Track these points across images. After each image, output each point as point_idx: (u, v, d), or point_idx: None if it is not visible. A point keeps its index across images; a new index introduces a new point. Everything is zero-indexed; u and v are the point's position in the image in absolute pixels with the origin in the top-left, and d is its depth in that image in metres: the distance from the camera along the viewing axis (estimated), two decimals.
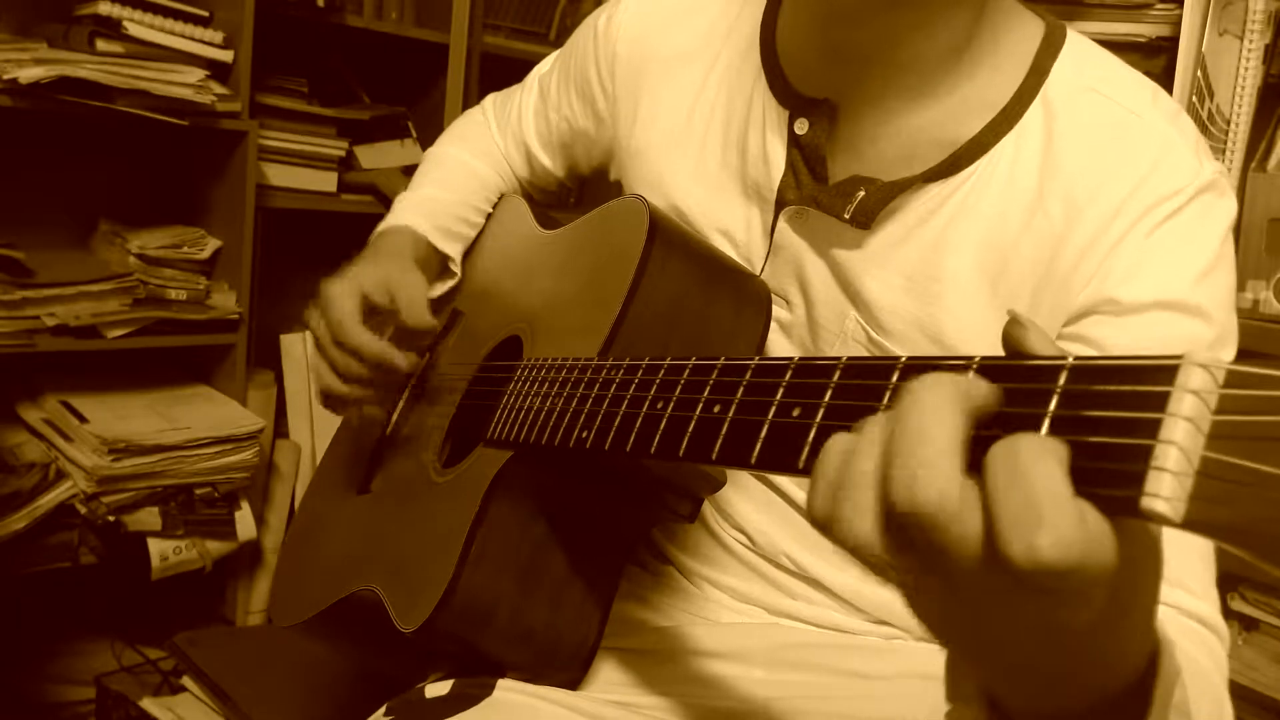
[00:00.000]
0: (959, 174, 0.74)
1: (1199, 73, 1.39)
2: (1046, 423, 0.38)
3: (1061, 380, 0.38)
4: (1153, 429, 0.34)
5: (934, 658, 0.82)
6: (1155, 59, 1.47)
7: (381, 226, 1.02)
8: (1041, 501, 0.35)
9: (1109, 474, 0.36)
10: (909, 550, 0.39)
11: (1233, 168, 1.39)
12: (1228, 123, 1.39)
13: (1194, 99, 1.40)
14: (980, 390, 0.39)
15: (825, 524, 0.41)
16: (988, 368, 0.41)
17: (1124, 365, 0.37)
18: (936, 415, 0.37)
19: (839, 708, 0.79)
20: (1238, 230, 1.39)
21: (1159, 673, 0.43)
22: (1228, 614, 1.43)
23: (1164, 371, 0.35)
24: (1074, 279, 0.70)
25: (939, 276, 0.74)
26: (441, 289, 1.02)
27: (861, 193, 0.74)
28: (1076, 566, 0.35)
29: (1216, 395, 0.34)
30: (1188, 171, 0.70)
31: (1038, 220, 0.72)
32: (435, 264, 1.01)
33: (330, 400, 0.94)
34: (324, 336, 0.91)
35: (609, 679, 0.82)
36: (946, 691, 0.49)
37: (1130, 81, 0.75)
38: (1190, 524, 0.34)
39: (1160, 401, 0.35)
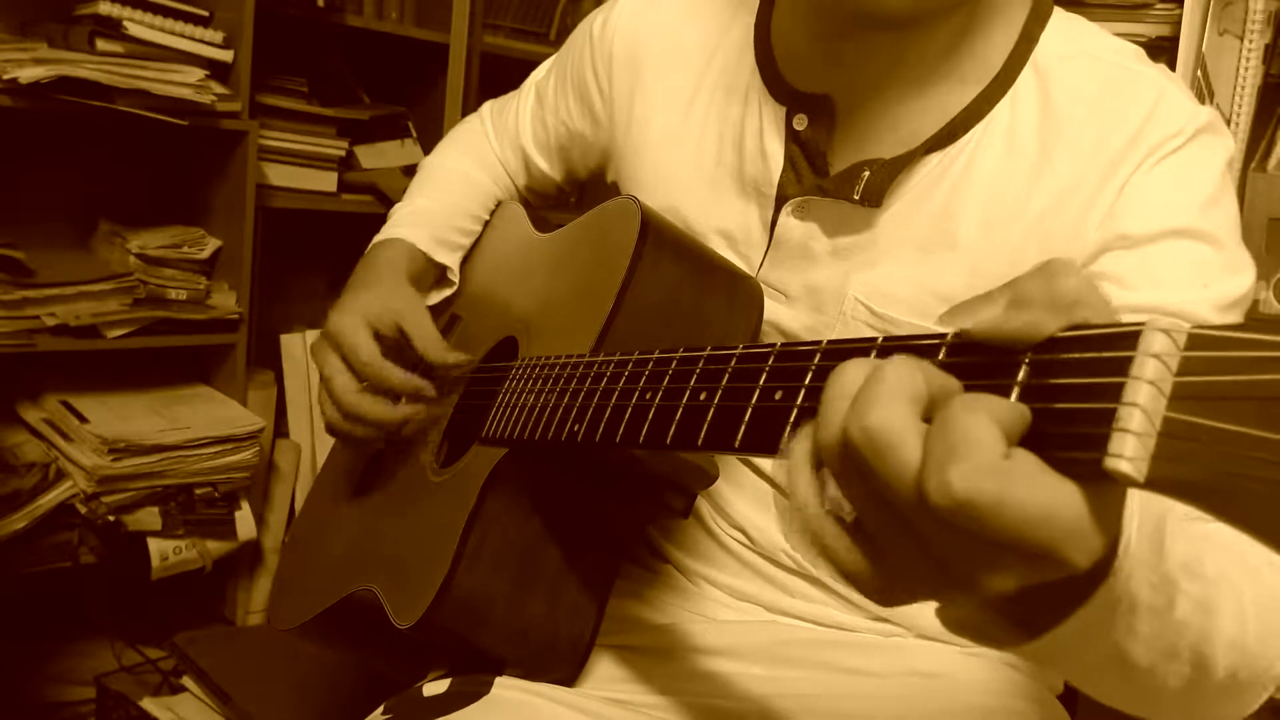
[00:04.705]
0: (957, 142, 0.76)
1: (1199, 73, 1.39)
2: (1015, 391, 0.39)
3: (1030, 350, 0.39)
4: (1116, 393, 0.36)
5: (933, 655, 0.83)
6: (1155, 59, 1.47)
7: (378, 239, 1.01)
8: (958, 441, 0.36)
9: (1075, 438, 0.37)
10: (854, 478, 0.41)
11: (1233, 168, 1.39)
12: (1228, 123, 1.39)
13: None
14: (936, 370, 0.41)
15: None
16: (961, 343, 0.42)
17: (1089, 334, 0.38)
18: (896, 365, 0.40)
19: (837, 705, 0.79)
20: None
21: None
22: None
23: (1127, 337, 0.36)
24: (1086, 225, 0.72)
25: (952, 244, 0.75)
26: (437, 298, 1.02)
27: (867, 173, 0.76)
28: (993, 503, 0.36)
29: (1178, 358, 0.35)
30: (1186, 113, 0.73)
31: (1045, 179, 0.74)
32: (431, 275, 1.01)
33: (344, 435, 0.92)
34: (342, 377, 0.89)
35: (607, 676, 0.82)
36: None
37: (1117, 42, 0.78)
38: (1153, 483, 0.35)
39: (1123, 366, 0.36)
